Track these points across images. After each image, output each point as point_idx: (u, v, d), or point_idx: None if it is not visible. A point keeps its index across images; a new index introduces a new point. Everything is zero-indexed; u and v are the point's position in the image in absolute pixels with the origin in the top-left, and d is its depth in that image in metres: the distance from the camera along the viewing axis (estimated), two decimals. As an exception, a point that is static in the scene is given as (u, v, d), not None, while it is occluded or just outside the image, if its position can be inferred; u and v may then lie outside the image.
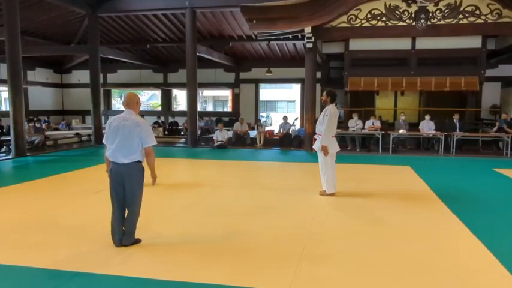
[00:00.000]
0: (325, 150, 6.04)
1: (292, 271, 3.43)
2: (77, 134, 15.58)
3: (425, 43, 12.32)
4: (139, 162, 3.93)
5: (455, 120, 11.68)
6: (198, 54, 13.55)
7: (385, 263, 3.65)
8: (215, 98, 39.70)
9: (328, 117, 5.98)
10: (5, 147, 11.75)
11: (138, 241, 4.06)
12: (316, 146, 6.27)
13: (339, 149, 6.33)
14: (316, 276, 3.37)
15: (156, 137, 4.15)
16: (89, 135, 15.06)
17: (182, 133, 16.87)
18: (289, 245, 4.08)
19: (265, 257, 3.75)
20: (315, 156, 11.16)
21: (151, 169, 4.02)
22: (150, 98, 36.30)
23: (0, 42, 12.55)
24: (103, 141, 4.07)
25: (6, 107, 20.47)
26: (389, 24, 11.60)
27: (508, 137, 11.04)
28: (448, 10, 11.22)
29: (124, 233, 3.96)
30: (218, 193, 6.50)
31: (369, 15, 11.67)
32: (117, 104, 27.58)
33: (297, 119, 15.80)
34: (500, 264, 3.62)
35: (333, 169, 6.18)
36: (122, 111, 4.01)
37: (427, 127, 11.82)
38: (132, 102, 3.97)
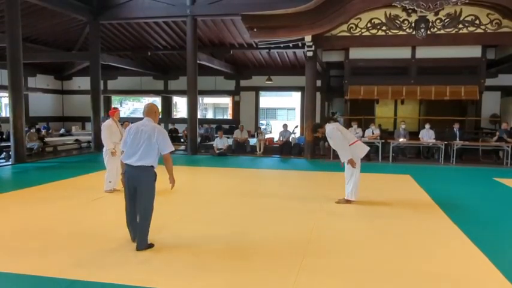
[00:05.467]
0: (352, 163, 6.04)
1: (291, 281, 3.40)
2: (76, 140, 15.57)
3: (425, 52, 12.37)
4: (152, 167, 4.10)
5: (455, 129, 11.68)
6: (198, 61, 13.59)
7: (385, 272, 3.63)
8: (215, 106, 39.77)
9: (332, 139, 6.06)
10: (4, 153, 11.74)
11: (150, 246, 4.15)
12: (344, 161, 6.24)
13: (367, 148, 6.29)
14: (316, 286, 3.34)
15: None
16: (88, 141, 15.04)
17: (182, 140, 16.87)
18: (289, 254, 4.05)
19: (265, 267, 3.72)
20: (314, 165, 11.21)
21: (170, 174, 4.17)
22: (150, 105, 36.27)
23: (1, 49, 12.60)
24: (121, 147, 4.33)
25: (6, 113, 20.47)
26: (390, 33, 11.65)
27: (508, 147, 11.04)
28: (448, 20, 11.27)
29: (137, 239, 4.10)
30: (218, 201, 6.48)
31: (369, 24, 11.73)
32: (117, 110, 27.57)
33: (297, 127, 15.79)
34: (501, 273, 3.61)
35: (357, 177, 6.16)
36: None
37: (427, 136, 11.82)
38: (151, 112, 4.26)
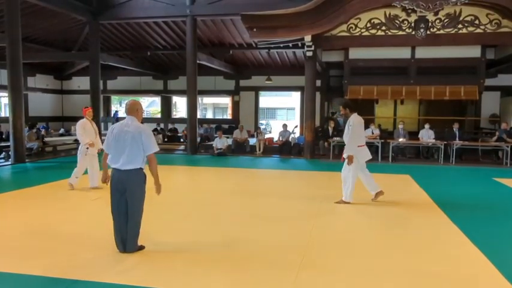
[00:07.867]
0: (349, 159, 6.06)
1: (291, 280, 3.41)
2: (76, 140, 15.54)
3: (424, 52, 12.37)
4: (141, 169, 3.95)
5: (454, 129, 11.68)
6: (198, 61, 13.59)
7: (384, 271, 3.63)
8: (215, 105, 39.76)
9: (352, 127, 6.02)
10: (4, 153, 11.73)
11: (141, 248, 4.07)
12: (345, 155, 6.24)
13: (370, 157, 6.35)
14: (316, 285, 3.35)
15: None
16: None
17: (182, 140, 16.87)
18: (289, 253, 4.06)
19: (265, 266, 3.72)
20: (314, 165, 11.20)
21: (155, 177, 3.99)
22: (149, 105, 36.35)
23: (1, 49, 12.59)
24: (103, 147, 4.12)
25: (6, 113, 20.46)
26: (389, 33, 11.64)
27: (508, 147, 11.05)
28: (447, 20, 11.27)
29: (127, 241, 3.95)
30: (217, 201, 6.48)
31: (368, 24, 11.72)
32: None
33: (296, 126, 15.81)
34: (500, 273, 3.61)
35: (354, 178, 6.16)
36: (122, 118, 4.04)
37: (427, 136, 11.83)
38: (132, 110, 4.01)
